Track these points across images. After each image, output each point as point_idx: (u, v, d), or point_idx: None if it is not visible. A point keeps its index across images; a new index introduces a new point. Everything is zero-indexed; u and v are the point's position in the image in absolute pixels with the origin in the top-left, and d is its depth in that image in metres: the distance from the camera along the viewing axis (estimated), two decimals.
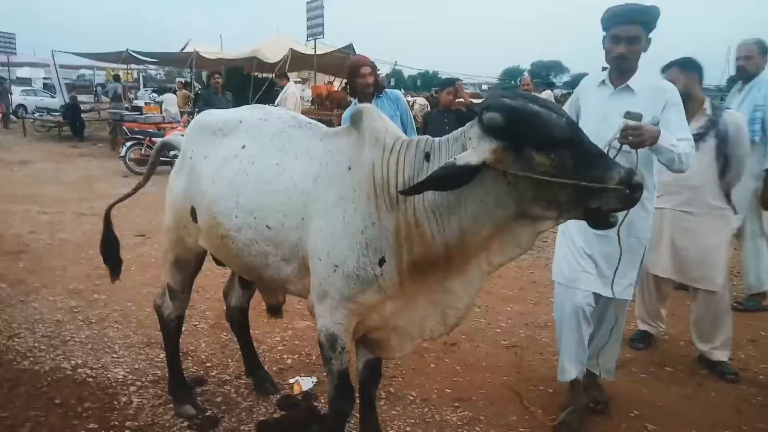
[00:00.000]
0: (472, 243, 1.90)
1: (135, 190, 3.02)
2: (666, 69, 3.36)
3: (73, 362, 3.37)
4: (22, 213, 7.14)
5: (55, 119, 16.02)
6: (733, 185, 3.40)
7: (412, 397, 3.07)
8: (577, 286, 2.75)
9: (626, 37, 2.59)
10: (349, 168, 2.07)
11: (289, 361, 3.47)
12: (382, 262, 1.99)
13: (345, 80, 17.25)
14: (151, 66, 28.25)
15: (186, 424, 2.78)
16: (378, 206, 1.99)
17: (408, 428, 2.80)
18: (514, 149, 1.72)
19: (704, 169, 3.26)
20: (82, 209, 7.50)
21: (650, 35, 2.63)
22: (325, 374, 2.98)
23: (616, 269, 2.56)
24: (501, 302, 4.45)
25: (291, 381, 3.17)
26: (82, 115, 16.15)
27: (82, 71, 36.85)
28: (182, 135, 2.78)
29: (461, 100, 5.29)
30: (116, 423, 2.79)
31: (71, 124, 15.57)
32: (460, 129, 1.92)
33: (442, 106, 5.44)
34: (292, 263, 2.22)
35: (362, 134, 2.09)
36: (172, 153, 10.49)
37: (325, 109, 15.52)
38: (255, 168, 2.29)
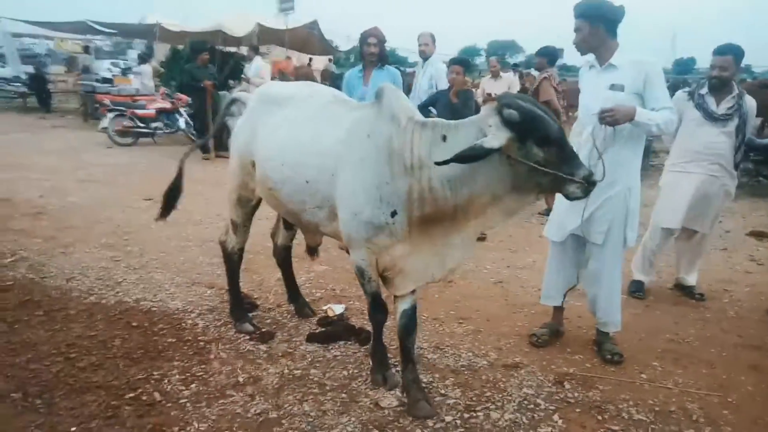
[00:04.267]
0: (474, 208, 2.52)
1: (203, 141, 3.66)
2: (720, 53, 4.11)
3: (133, 297, 3.95)
4: (23, 180, 7.42)
5: (18, 90, 15.76)
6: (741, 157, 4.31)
7: (425, 317, 3.80)
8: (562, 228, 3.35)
9: (575, 29, 3.14)
10: (368, 135, 2.63)
11: (317, 294, 4.16)
12: (393, 213, 2.58)
13: (310, 57, 17.35)
14: (101, 38, 27.41)
15: (248, 338, 3.44)
16: (392, 170, 2.55)
17: (426, 338, 3.54)
18: (519, 140, 2.33)
19: (728, 143, 4.14)
20: (79, 177, 7.84)
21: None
22: (350, 302, 3.74)
23: (583, 210, 3.05)
24: (484, 251, 5.23)
25: (324, 308, 3.86)
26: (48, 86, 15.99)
27: (23, 40, 35.12)
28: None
29: (468, 79, 6.00)
30: (190, 338, 3.41)
31: (37, 95, 15.41)
32: (475, 117, 2.51)
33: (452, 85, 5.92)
34: (324, 210, 2.82)
35: (382, 109, 2.66)
36: (153, 125, 10.82)
37: None
38: (298, 134, 2.90)
